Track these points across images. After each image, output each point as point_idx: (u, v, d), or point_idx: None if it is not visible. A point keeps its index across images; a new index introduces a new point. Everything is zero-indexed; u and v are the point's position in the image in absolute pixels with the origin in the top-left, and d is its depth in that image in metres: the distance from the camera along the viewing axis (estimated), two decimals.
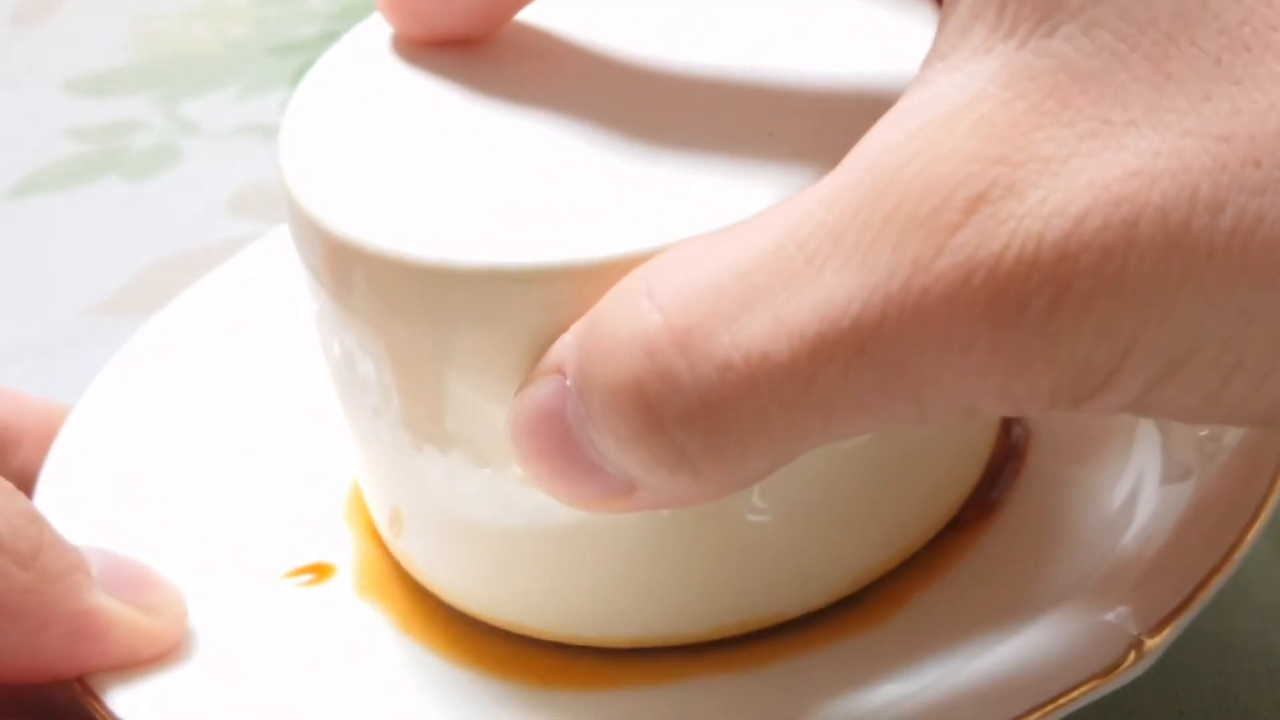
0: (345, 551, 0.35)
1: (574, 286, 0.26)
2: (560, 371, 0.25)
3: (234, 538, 0.35)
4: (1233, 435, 0.30)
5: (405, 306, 0.28)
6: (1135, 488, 0.31)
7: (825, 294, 0.23)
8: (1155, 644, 0.26)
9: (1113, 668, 0.26)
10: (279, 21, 0.67)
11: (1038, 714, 0.25)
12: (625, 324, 0.24)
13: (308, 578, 0.34)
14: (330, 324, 0.30)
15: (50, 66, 0.67)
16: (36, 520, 0.29)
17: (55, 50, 0.68)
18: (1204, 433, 0.31)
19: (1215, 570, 0.27)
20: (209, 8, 0.69)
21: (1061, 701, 0.26)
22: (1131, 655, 0.26)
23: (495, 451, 0.28)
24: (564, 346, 0.26)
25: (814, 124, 0.28)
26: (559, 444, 0.25)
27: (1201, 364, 0.23)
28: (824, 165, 0.24)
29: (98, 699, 0.29)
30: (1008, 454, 0.34)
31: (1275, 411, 0.23)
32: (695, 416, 0.23)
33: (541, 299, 0.26)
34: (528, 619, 0.31)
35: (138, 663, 0.30)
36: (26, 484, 0.34)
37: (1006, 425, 0.34)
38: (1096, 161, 0.22)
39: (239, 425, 0.38)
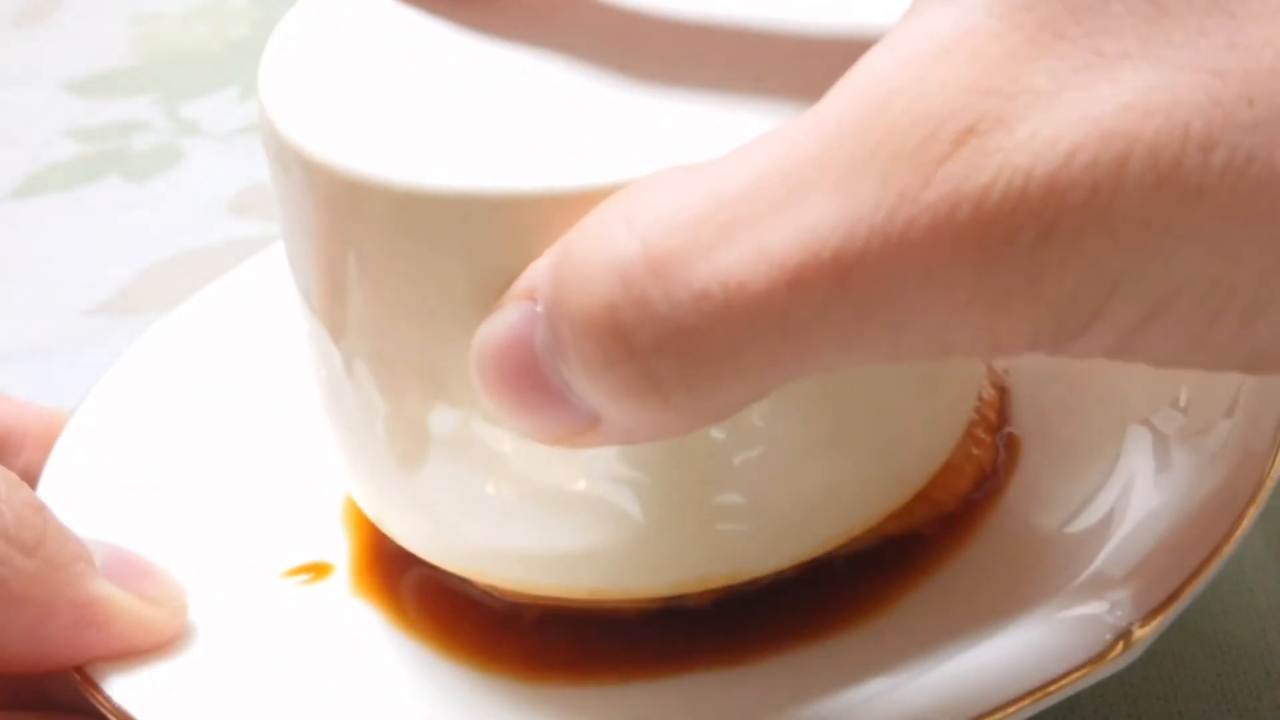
0: (341, 551, 0.35)
1: (550, 214, 0.26)
2: (531, 297, 0.25)
3: (233, 538, 0.35)
4: (1223, 429, 0.30)
5: (380, 233, 0.28)
6: (1127, 485, 0.31)
7: (808, 224, 0.22)
8: (1144, 634, 0.26)
9: (1101, 657, 0.26)
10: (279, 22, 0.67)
11: (1028, 701, 0.26)
12: (601, 249, 0.24)
13: (305, 577, 0.34)
14: (301, 253, 0.30)
15: (51, 67, 0.67)
16: (40, 510, 0.30)
17: (56, 51, 0.68)
18: (1196, 430, 0.31)
19: (1205, 562, 0.27)
20: (210, 8, 0.69)
21: (1051, 689, 0.26)
22: (1120, 645, 0.26)
23: (465, 386, 0.27)
24: (537, 272, 0.25)
25: (803, 69, 0.28)
26: (525, 372, 0.25)
27: (1187, 305, 0.22)
28: (811, 104, 0.24)
29: (97, 688, 0.30)
30: (999, 453, 0.34)
31: (1259, 355, 0.23)
32: (668, 344, 0.23)
33: (517, 226, 0.26)
34: (485, 567, 0.31)
35: (138, 652, 0.30)
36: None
37: (998, 425, 0.34)
38: (1089, 95, 0.22)
39: (238, 429, 0.38)
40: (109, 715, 0.29)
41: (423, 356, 0.28)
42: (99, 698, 0.30)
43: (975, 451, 0.33)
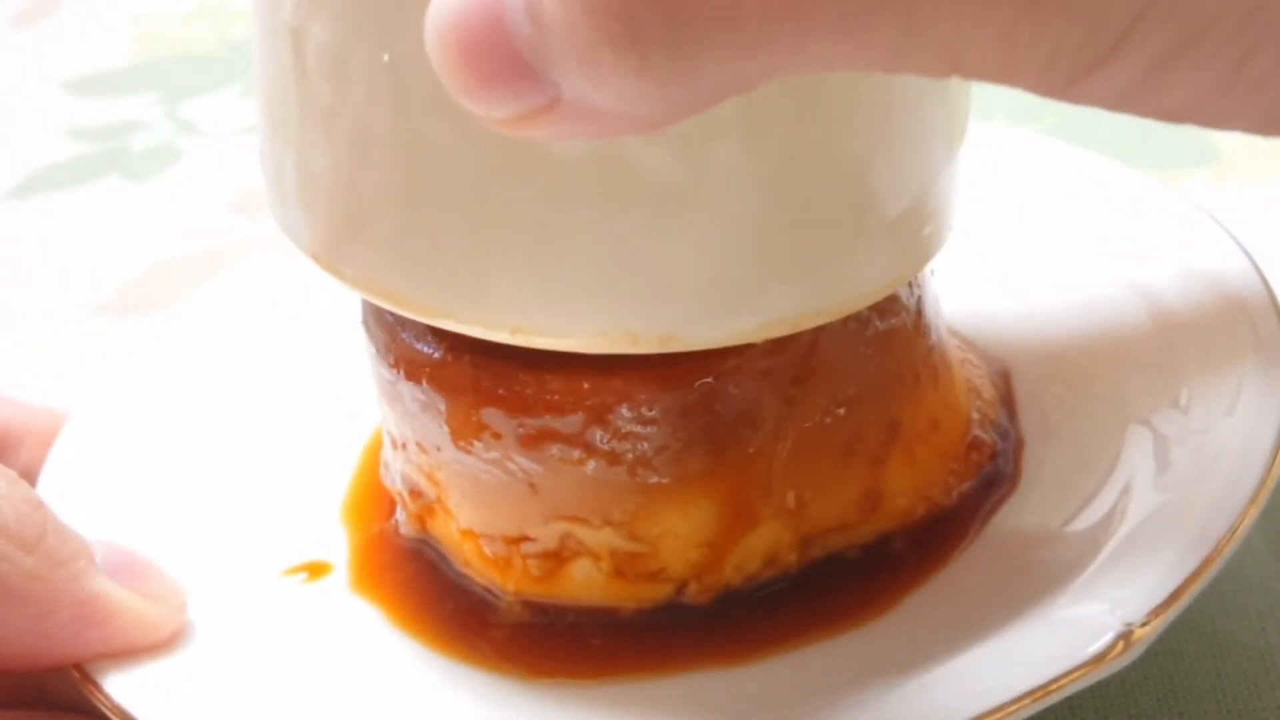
0: (340, 551, 0.35)
1: None
2: None
3: (233, 537, 0.35)
4: (1224, 430, 0.30)
5: None
6: (1127, 484, 0.31)
7: None
8: (1144, 634, 0.26)
9: (1101, 657, 0.26)
10: None
11: (1028, 700, 0.26)
12: None
13: (304, 575, 0.35)
14: None
15: (51, 67, 0.67)
16: (40, 507, 0.30)
17: (56, 51, 0.68)
18: (1197, 430, 0.31)
19: (1206, 562, 0.27)
20: (209, 8, 0.69)
21: (1051, 689, 0.26)
22: (1120, 645, 0.26)
23: (418, 59, 0.24)
24: None
25: None
26: (486, 35, 0.22)
27: (1222, 37, 0.21)
28: None
29: (97, 685, 0.30)
30: (1002, 456, 0.34)
31: None
32: None
33: None
34: (404, 289, 0.29)
35: (138, 650, 0.30)
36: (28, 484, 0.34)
37: (999, 425, 0.34)
38: None
39: (237, 428, 0.38)
40: (108, 713, 0.29)
41: (376, 26, 0.27)
42: (98, 695, 0.30)
43: (975, 451, 0.33)
